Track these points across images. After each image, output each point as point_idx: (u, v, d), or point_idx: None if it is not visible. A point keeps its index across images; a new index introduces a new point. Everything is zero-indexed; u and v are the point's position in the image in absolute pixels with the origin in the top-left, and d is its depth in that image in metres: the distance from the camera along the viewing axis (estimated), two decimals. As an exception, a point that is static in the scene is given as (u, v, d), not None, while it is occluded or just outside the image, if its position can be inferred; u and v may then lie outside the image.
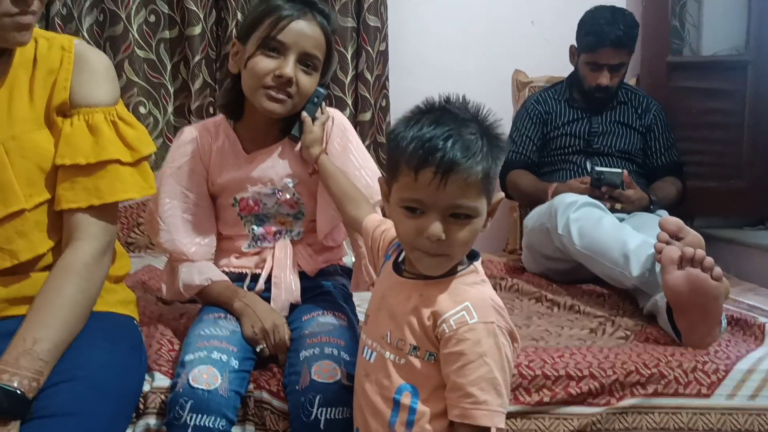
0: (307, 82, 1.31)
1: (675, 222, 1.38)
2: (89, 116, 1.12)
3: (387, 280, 1.04)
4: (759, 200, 2.55)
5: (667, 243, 1.36)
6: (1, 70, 1.10)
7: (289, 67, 1.27)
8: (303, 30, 1.27)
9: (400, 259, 1.04)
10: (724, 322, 1.43)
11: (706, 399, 1.27)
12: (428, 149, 0.90)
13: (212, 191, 1.41)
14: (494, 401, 0.90)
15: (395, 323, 0.97)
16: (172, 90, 2.59)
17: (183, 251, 1.37)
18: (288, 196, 1.39)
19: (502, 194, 1.00)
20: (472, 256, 1.01)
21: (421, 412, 0.95)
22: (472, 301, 0.93)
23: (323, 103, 1.38)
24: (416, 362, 0.95)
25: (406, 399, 0.96)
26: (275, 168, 1.38)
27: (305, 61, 1.29)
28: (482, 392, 0.89)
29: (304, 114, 1.35)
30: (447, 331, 0.92)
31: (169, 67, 2.57)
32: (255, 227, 1.41)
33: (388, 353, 0.98)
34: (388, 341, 0.98)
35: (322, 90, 1.36)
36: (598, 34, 2.13)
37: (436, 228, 0.90)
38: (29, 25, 1.05)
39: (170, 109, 2.59)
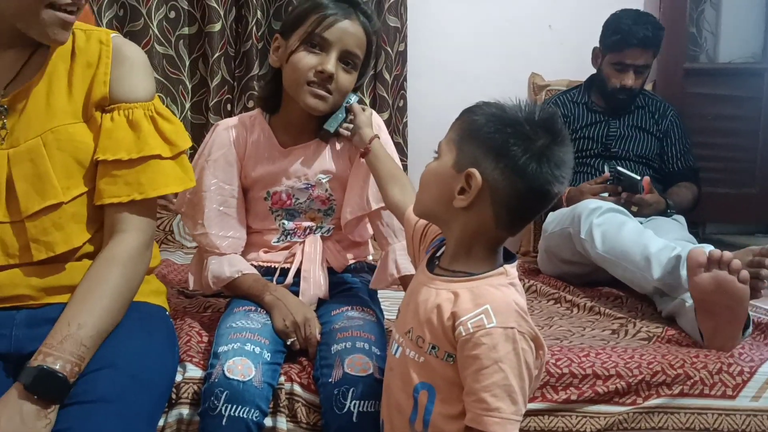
0: (347, 80, 1.32)
1: None
2: (129, 112, 1.12)
3: (420, 275, 1.04)
4: (770, 207, 2.57)
5: (763, 266, 1.38)
6: (40, 61, 1.11)
7: (331, 63, 1.29)
8: (346, 28, 1.30)
9: (438, 254, 1.04)
10: (750, 326, 1.44)
11: (731, 400, 1.28)
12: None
13: (245, 184, 1.42)
14: (507, 409, 0.88)
15: (417, 320, 0.97)
16: (190, 86, 2.59)
17: (216, 245, 1.38)
18: (321, 192, 1.40)
19: (479, 181, 0.92)
20: (508, 258, 1.00)
21: (438, 413, 0.94)
22: (492, 304, 0.90)
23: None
24: (434, 362, 0.94)
25: (423, 398, 0.95)
26: (310, 163, 1.40)
27: (346, 59, 1.31)
28: (495, 399, 0.88)
29: (353, 101, 1.37)
30: (464, 333, 0.90)
31: (187, 64, 2.58)
32: (285, 222, 1.42)
33: (408, 350, 0.98)
34: (411, 338, 0.98)
35: (354, 95, 1.39)
36: (625, 34, 2.15)
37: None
38: (72, 24, 1.05)
39: (188, 105, 2.59)
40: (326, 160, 1.40)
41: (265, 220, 1.43)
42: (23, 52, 1.10)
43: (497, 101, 0.97)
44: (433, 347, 0.94)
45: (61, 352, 0.98)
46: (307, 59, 1.29)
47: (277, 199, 1.41)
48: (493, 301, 0.91)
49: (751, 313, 1.56)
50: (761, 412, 1.27)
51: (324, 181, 1.40)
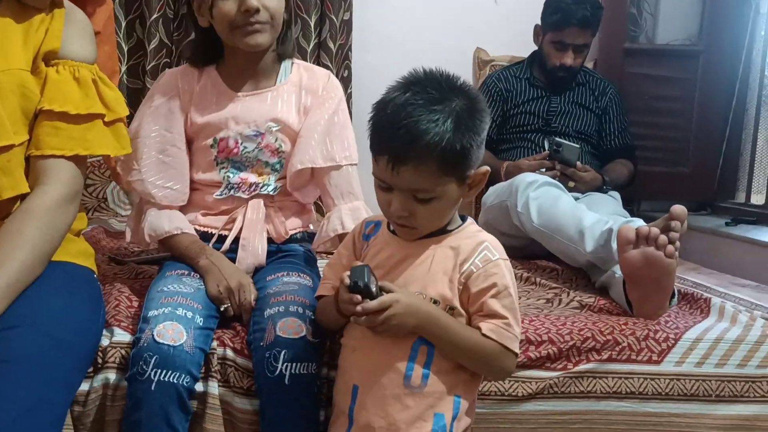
0: (275, 2, 1.29)
1: (685, 213, 1.41)
2: (75, 69, 1.14)
3: (391, 246, 1.06)
4: (702, 186, 2.66)
5: (671, 229, 1.39)
6: None
7: None
8: None
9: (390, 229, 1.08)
10: (675, 297, 1.49)
11: (656, 365, 1.31)
12: (382, 139, 0.96)
13: (190, 133, 1.38)
14: (517, 329, 1.02)
15: (416, 279, 1.02)
16: (126, 48, 2.50)
17: (151, 192, 1.34)
18: (270, 141, 1.37)
19: (487, 168, 1.02)
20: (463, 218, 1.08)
21: (436, 365, 1.00)
22: (488, 241, 1.04)
23: None
24: None
25: (422, 353, 1.00)
26: (260, 110, 1.37)
27: None
28: (510, 318, 1.01)
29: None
30: (474, 270, 1.00)
31: (123, 24, 2.48)
32: (231, 174, 1.38)
33: None
34: None
35: None
36: (565, 13, 2.17)
37: (396, 208, 0.98)
38: None
39: (123, 68, 2.50)
40: (278, 108, 1.37)
41: (209, 172, 1.38)
42: None
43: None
44: (435, 302, 1.01)
45: None
46: (227, 6, 1.27)
47: (224, 146, 1.37)
48: (487, 239, 1.05)
49: (677, 284, 1.62)
50: (684, 376, 1.31)
51: (274, 129, 1.37)
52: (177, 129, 1.35)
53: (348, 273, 0.98)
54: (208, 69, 1.39)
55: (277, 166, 1.40)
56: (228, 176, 1.38)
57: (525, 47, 2.43)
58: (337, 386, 1.10)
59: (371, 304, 0.96)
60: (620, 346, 1.32)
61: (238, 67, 1.37)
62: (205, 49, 1.36)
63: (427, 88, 0.96)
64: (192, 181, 1.40)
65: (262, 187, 1.39)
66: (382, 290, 0.98)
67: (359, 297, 0.96)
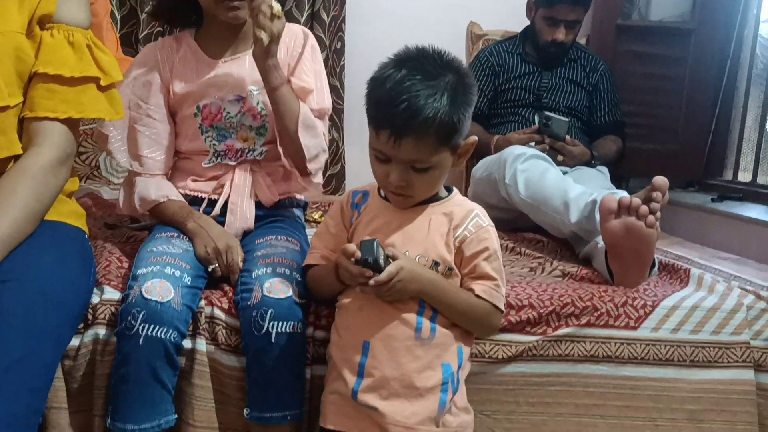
0: None
1: (667, 184, 1.44)
2: (69, 33, 1.15)
3: (385, 213, 1.12)
4: (691, 163, 2.68)
5: (652, 200, 1.42)
6: None
7: None
8: None
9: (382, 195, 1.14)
10: (656, 266, 1.52)
11: (633, 331, 1.35)
12: (382, 114, 1.01)
13: (174, 103, 1.40)
14: (503, 290, 1.13)
15: (415, 243, 1.09)
16: (118, 17, 2.50)
17: (129, 161, 1.37)
18: (252, 104, 1.40)
19: (475, 138, 1.10)
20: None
21: (440, 319, 1.08)
22: (477, 210, 1.13)
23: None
24: None
25: (428, 309, 1.08)
26: (241, 74, 1.39)
27: None
28: (499, 280, 1.11)
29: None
30: (468, 235, 1.09)
31: (117, -7, 2.48)
32: (216, 142, 1.41)
33: None
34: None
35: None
36: None
37: (395, 178, 1.04)
38: None
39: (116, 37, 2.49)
40: (258, 72, 1.38)
41: (194, 141, 1.41)
42: None
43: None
44: (436, 263, 1.08)
45: None
46: None
47: (207, 113, 1.40)
48: (477, 208, 1.14)
49: (659, 256, 1.65)
50: (659, 341, 1.35)
51: (255, 93, 1.38)
52: (154, 101, 1.39)
53: (355, 247, 1.03)
54: (187, 39, 1.42)
55: (261, 130, 1.42)
56: (214, 144, 1.41)
57: (518, 22, 2.43)
58: (339, 344, 1.11)
59: (381, 276, 1.02)
60: (599, 312, 1.35)
61: (218, 35, 1.40)
62: (181, 11, 1.40)
63: (422, 64, 1.02)
64: (180, 151, 1.43)
65: (248, 153, 1.41)
66: (389, 258, 1.03)
67: (370, 271, 1.01)
